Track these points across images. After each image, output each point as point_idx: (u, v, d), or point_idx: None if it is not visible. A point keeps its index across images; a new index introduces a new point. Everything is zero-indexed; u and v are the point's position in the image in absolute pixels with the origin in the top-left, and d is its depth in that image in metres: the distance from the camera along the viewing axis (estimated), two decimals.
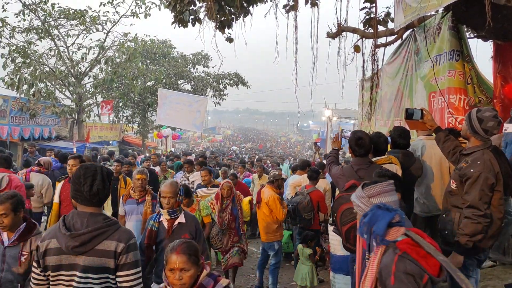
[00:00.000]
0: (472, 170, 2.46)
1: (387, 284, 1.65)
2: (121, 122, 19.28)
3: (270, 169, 9.94)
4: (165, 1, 5.89)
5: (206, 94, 18.74)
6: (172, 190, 2.89)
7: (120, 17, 14.47)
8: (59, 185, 3.88)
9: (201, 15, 4.62)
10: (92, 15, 14.15)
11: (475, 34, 4.18)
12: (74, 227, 1.74)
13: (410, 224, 1.99)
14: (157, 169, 7.56)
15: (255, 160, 11.64)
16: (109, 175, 1.87)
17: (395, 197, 1.89)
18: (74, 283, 1.71)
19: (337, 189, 3.21)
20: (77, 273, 1.71)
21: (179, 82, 19.35)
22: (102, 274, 1.74)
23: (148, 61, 19.77)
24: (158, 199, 2.96)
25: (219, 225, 4.60)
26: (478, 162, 2.46)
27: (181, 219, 2.90)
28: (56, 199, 3.84)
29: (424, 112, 2.92)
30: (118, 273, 1.75)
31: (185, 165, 7.07)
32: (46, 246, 1.75)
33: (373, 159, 3.14)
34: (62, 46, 14.43)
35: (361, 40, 4.89)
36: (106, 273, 1.74)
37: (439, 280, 1.61)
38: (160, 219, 2.94)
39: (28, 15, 13.35)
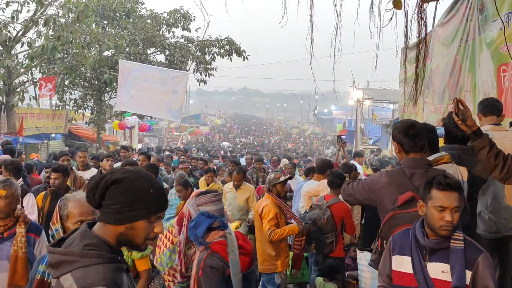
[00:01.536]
0: None
1: (198, 276, 2.96)
2: (67, 107, 19.29)
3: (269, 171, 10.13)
4: None
5: (187, 69, 18.74)
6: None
7: None
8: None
9: None
10: None
11: None
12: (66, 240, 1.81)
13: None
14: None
15: (254, 161, 11.62)
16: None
17: (220, 205, 3.20)
18: None
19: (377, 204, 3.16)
20: None
21: (148, 52, 19.35)
22: None
23: (105, 22, 19.75)
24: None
25: (182, 272, 3.63)
26: None
27: None
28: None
29: (460, 106, 3.00)
30: None
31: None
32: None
33: (430, 158, 3.16)
34: None
35: None
36: None
37: (247, 272, 3.01)
38: None
39: None
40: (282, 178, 5.28)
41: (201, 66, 19.38)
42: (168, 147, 26.88)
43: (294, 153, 25.17)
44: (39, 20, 14.29)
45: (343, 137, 8.04)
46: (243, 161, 15.22)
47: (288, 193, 7.01)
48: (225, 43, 19.08)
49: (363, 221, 6.54)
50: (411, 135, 3.00)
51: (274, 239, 4.90)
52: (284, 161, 13.75)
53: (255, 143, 41.36)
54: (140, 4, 20.57)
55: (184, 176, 7.33)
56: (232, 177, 7.71)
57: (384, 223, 2.80)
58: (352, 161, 12.09)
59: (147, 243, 1.82)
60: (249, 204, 7.16)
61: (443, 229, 2.35)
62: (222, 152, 26.85)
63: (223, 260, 2.96)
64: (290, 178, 6.03)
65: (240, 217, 7.01)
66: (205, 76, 19.49)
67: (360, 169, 9.22)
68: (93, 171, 7.71)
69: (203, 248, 3.06)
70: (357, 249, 4.79)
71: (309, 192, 6.62)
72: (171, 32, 20.01)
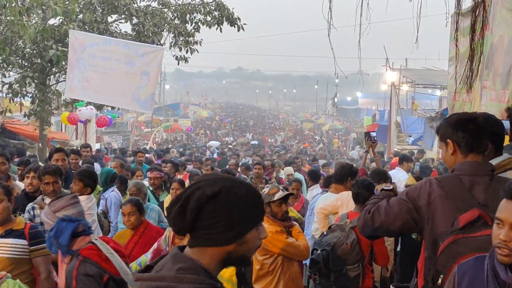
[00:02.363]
0: None
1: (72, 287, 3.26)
2: None
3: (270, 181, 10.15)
4: None
5: (162, 43, 18.74)
6: None
7: None
8: None
9: None
10: None
11: None
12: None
13: None
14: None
15: (253, 165, 11.73)
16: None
17: (79, 208, 3.82)
18: None
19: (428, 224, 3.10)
20: None
21: (109, 19, 19.35)
22: None
23: None
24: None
25: None
26: None
27: None
28: None
29: None
30: None
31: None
32: None
33: (493, 162, 3.15)
34: None
35: None
36: None
37: (119, 278, 3.47)
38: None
39: None
40: (278, 195, 5.32)
41: (181, 38, 19.36)
42: (136, 148, 26.88)
43: (305, 156, 25.19)
44: None
45: (373, 134, 8.02)
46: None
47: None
48: (213, 7, 19.10)
49: (398, 248, 6.56)
50: (473, 131, 3.04)
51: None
52: (288, 170, 12.72)
53: (257, 143, 41.01)
54: None
55: (141, 186, 7.33)
56: None
57: (441, 251, 2.77)
58: (398, 169, 11.92)
59: None
60: None
61: (498, 252, 2.32)
62: (208, 153, 26.91)
63: (98, 266, 3.46)
64: (291, 194, 6.04)
65: None
66: (186, 52, 19.47)
67: (404, 178, 9.21)
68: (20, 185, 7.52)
69: (69, 258, 3.56)
70: (391, 286, 4.80)
71: (324, 209, 6.63)
72: None
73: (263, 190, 5.52)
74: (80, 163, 9.46)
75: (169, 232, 4.96)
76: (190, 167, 15.74)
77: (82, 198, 5.98)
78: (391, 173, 9.87)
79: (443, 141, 3.16)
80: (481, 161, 3.04)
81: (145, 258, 4.98)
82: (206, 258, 1.95)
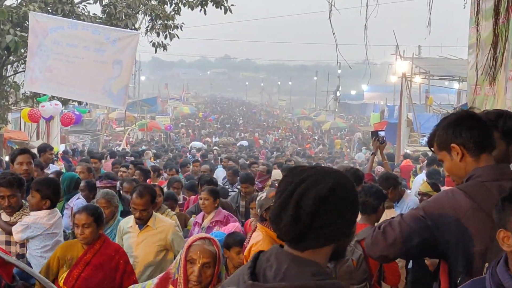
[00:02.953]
0: None
1: None
2: None
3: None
4: None
5: (136, 27, 18.70)
6: None
7: None
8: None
9: None
10: None
11: None
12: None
13: None
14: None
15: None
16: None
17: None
18: None
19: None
20: None
21: (75, 0, 19.28)
22: None
23: None
24: None
25: None
26: None
27: None
28: None
29: None
30: None
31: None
32: None
33: None
34: None
35: None
36: None
37: (13, 285, 4.02)
38: None
39: None
40: None
41: (159, 22, 19.35)
42: (107, 150, 26.80)
43: (303, 158, 25.21)
44: None
45: (381, 133, 8.04)
46: (222, 173, 15.07)
47: None
48: None
49: (410, 265, 6.57)
50: (478, 126, 3.06)
51: None
52: (276, 174, 12.91)
53: (246, 143, 40.95)
54: None
55: (112, 198, 7.03)
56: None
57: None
58: (397, 170, 11.81)
59: None
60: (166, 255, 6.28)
61: None
62: (188, 155, 26.83)
63: None
64: None
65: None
66: (165, 38, 19.45)
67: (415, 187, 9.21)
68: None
69: None
70: None
71: None
72: None
73: (259, 196, 5.51)
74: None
75: (181, 256, 4.90)
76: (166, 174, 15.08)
77: (41, 214, 5.83)
78: (418, 178, 9.78)
79: (445, 149, 3.13)
80: (505, 165, 3.08)
81: (151, 283, 4.82)
82: (322, 258, 2.09)
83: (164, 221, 6.39)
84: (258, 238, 5.17)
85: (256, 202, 5.52)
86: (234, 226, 6.76)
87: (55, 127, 24.00)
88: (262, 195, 5.45)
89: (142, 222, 6.13)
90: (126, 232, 6.30)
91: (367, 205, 5.53)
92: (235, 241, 5.57)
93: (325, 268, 2.10)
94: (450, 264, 3.02)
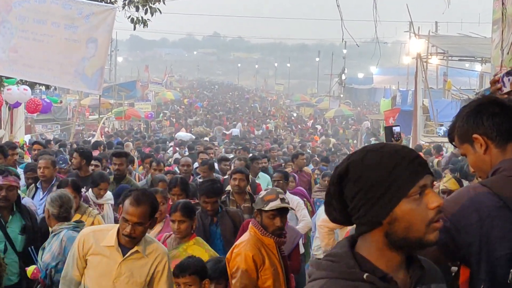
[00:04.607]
0: None
1: None
2: None
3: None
4: None
5: (113, 0, 18.69)
6: None
7: None
8: None
9: None
10: None
11: None
12: None
13: None
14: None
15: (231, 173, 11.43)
16: None
17: None
18: None
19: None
20: None
21: None
22: None
23: None
24: None
25: None
26: None
27: None
28: None
29: None
30: None
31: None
32: None
33: None
34: None
35: None
36: None
37: None
38: None
39: None
40: (272, 205, 5.36)
41: None
42: (79, 141, 26.72)
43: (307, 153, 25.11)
44: None
45: (397, 129, 7.98)
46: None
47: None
48: None
49: None
50: (503, 113, 3.03)
51: None
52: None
53: (238, 131, 40.70)
54: None
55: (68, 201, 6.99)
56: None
57: None
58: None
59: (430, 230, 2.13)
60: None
61: None
62: (170, 150, 26.77)
63: None
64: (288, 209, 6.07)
65: None
66: (146, 13, 19.43)
67: None
68: None
69: None
70: None
71: (328, 221, 6.66)
72: None
73: (260, 194, 5.61)
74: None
75: None
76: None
77: None
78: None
79: (467, 142, 3.11)
80: None
81: None
82: (366, 246, 2.17)
83: (156, 245, 5.23)
84: (243, 239, 5.35)
85: (256, 200, 5.66)
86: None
87: (20, 115, 23.92)
88: (262, 193, 5.56)
89: (130, 244, 4.99)
90: (98, 252, 5.05)
91: None
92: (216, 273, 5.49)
93: (364, 258, 2.16)
94: (471, 271, 2.96)
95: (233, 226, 7.33)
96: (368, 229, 2.15)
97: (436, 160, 17.09)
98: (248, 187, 9.45)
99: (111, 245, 4.96)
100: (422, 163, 2.17)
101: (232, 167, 11.58)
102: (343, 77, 69.68)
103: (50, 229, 6.15)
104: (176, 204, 6.20)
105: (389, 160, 2.14)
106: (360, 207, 2.13)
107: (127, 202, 4.92)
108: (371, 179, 2.12)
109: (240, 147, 21.51)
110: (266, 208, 5.37)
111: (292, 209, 6.42)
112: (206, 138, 33.02)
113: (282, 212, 5.46)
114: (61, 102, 37.63)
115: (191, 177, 11.90)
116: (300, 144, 32.68)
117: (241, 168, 9.68)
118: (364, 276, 2.07)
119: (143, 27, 19.90)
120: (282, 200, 5.53)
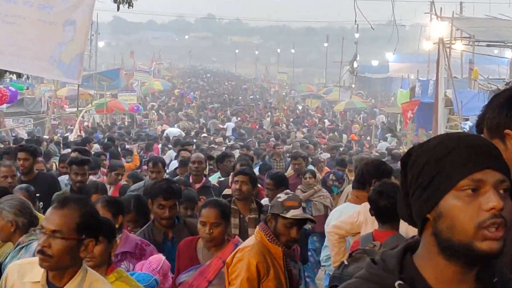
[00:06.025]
0: None
1: None
2: None
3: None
4: None
5: None
6: None
7: None
8: None
9: None
10: None
11: None
12: None
13: None
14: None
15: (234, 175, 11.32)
16: None
17: None
18: None
19: None
20: None
21: None
22: None
23: None
24: None
25: None
26: None
27: None
28: None
29: None
30: None
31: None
32: None
33: None
34: None
35: None
36: None
37: None
38: None
39: None
40: (293, 212, 5.29)
41: None
42: (54, 136, 26.73)
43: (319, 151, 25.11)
44: None
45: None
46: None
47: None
48: None
49: None
50: None
51: None
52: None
53: (233, 125, 40.72)
54: None
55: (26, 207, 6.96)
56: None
57: None
58: None
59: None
60: None
61: None
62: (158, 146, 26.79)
63: None
64: (312, 221, 6.13)
65: None
66: None
67: None
68: None
69: None
70: None
71: (339, 227, 6.66)
72: None
73: (277, 196, 5.54)
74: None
75: None
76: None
77: None
78: None
79: (498, 137, 3.05)
80: None
81: None
82: (420, 250, 2.08)
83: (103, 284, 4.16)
84: (248, 243, 5.33)
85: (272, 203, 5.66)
86: (157, 260, 5.64)
87: None
88: (281, 196, 5.46)
89: (57, 279, 3.91)
90: None
91: (390, 211, 5.48)
92: None
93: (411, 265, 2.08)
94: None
95: None
96: (420, 226, 2.05)
97: None
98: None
99: (36, 281, 3.93)
100: (485, 153, 2.03)
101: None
102: (355, 64, 69.48)
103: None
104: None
105: (448, 142, 2.05)
106: (412, 196, 2.05)
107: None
108: (423, 163, 2.05)
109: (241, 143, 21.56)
110: (287, 216, 5.28)
111: (313, 221, 6.24)
112: (204, 134, 33.08)
113: (301, 223, 5.44)
114: (27, 88, 37.22)
115: (204, 179, 10.93)
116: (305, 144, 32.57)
117: (245, 169, 8.93)
118: (396, 284, 1.96)
119: (128, 7, 19.89)
120: (304, 209, 5.56)
